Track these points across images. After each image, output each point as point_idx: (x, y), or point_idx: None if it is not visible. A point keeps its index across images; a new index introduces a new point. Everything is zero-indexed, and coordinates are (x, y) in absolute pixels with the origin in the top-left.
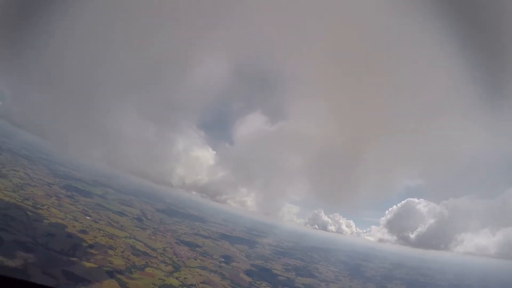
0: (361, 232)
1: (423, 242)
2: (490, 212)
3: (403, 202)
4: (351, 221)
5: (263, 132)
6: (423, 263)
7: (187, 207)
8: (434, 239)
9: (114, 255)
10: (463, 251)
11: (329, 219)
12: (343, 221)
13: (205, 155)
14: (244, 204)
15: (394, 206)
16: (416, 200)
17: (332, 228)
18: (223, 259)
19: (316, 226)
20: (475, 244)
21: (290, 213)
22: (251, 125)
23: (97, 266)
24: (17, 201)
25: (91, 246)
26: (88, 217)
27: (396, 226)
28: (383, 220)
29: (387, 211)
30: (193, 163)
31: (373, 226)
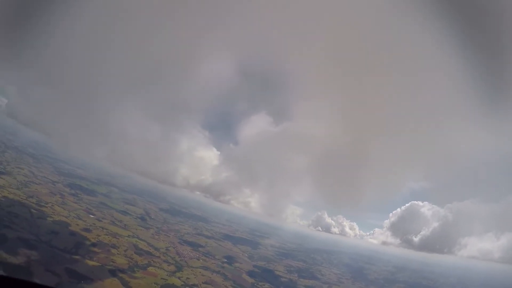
0: (365, 234)
1: (427, 245)
2: (494, 216)
3: (407, 205)
4: (355, 224)
5: (267, 132)
6: (427, 267)
7: (191, 207)
8: (438, 242)
9: (117, 254)
10: (467, 255)
11: (333, 221)
12: (346, 223)
13: (209, 155)
14: (248, 205)
15: (398, 209)
16: (420, 203)
17: (335, 230)
18: (226, 260)
19: (320, 228)
20: (479, 248)
21: (293, 214)
22: (256, 126)
23: (100, 264)
24: (21, 198)
25: (94, 245)
26: (91, 216)
27: (400, 229)
28: (386, 223)
29: (390, 214)
30: (197, 163)
31: (376, 229)
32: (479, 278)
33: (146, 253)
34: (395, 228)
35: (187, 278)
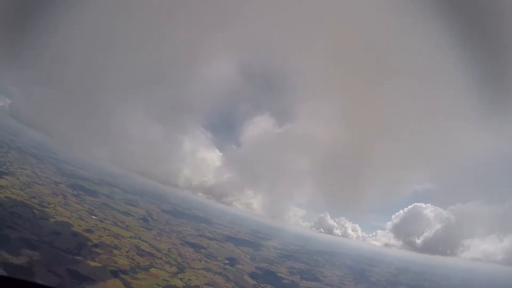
0: (367, 236)
1: (430, 247)
2: (497, 218)
3: (409, 206)
4: (357, 225)
5: (270, 134)
6: (429, 269)
7: (193, 208)
8: (441, 244)
9: (119, 254)
10: (470, 257)
11: (335, 223)
12: (349, 225)
13: (212, 157)
14: (250, 206)
15: (401, 211)
16: (423, 205)
17: (338, 232)
18: (228, 261)
19: (322, 230)
20: (482, 250)
21: (296, 216)
22: (258, 127)
23: (102, 265)
24: (24, 199)
25: (96, 246)
26: (94, 217)
27: (402, 231)
28: (389, 224)
29: (393, 216)
30: (199, 164)
31: (379, 231)
32: (482, 280)
33: (148, 254)
34: (397, 230)
35: (189, 279)
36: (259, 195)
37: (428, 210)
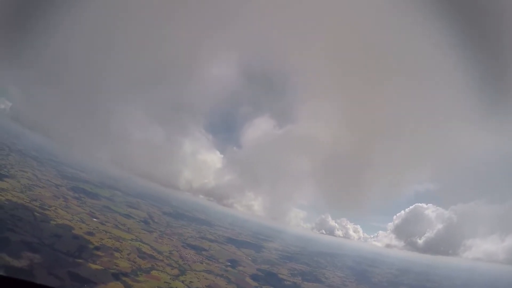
0: (368, 237)
1: (431, 247)
2: (498, 217)
3: (411, 207)
4: (358, 226)
5: (270, 135)
6: (431, 269)
7: (194, 210)
8: (442, 244)
9: (120, 257)
10: (471, 257)
11: (336, 224)
12: (350, 226)
13: (213, 159)
14: (251, 208)
15: (402, 211)
16: (424, 205)
17: (339, 233)
18: (229, 263)
19: (323, 231)
20: (484, 250)
21: (297, 217)
22: (259, 129)
23: (103, 268)
24: (25, 201)
25: (97, 248)
26: (95, 219)
27: (404, 231)
28: (390, 225)
29: (394, 216)
30: (200, 166)
31: (380, 232)
32: (484, 280)
33: (149, 257)
34: (399, 231)
35: (191, 281)
36: (260, 197)
37: (430, 210)
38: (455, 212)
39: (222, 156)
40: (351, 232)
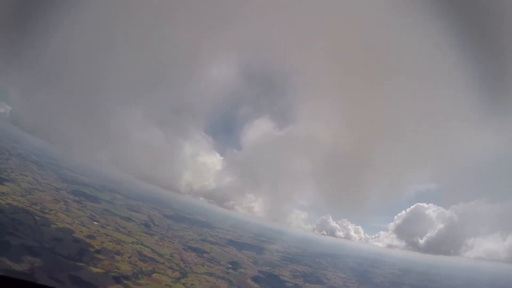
0: (370, 238)
1: (433, 247)
2: (500, 216)
3: (412, 207)
4: (360, 227)
5: (270, 136)
6: (432, 269)
7: (195, 213)
8: (444, 244)
9: (121, 260)
10: (473, 256)
11: (337, 225)
12: (351, 227)
13: (213, 161)
14: (252, 210)
15: (403, 212)
16: (425, 205)
17: (340, 234)
18: (231, 265)
19: (324, 232)
20: (485, 249)
21: (298, 219)
22: (259, 130)
23: (104, 271)
24: (25, 205)
25: (98, 251)
26: (95, 223)
27: (405, 231)
28: (391, 225)
29: (395, 217)
30: (200, 169)
31: (381, 232)
32: (486, 279)
33: (150, 260)
34: (400, 231)
35: (192, 284)
36: (261, 199)
37: (431, 210)
38: (456, 211)
39: (222, 158)
40: (352, 232)
